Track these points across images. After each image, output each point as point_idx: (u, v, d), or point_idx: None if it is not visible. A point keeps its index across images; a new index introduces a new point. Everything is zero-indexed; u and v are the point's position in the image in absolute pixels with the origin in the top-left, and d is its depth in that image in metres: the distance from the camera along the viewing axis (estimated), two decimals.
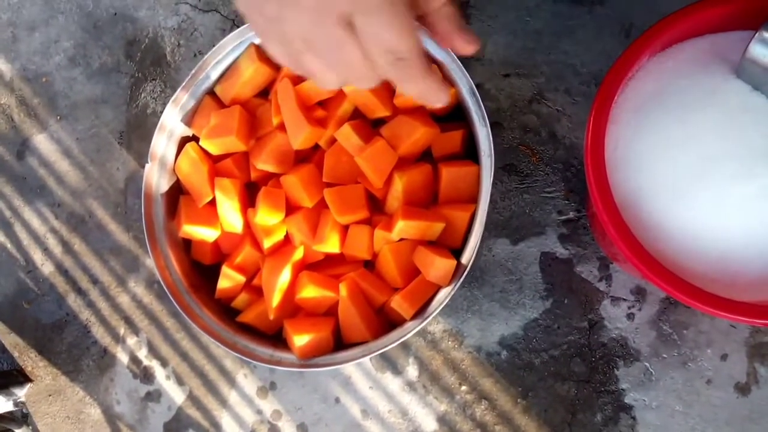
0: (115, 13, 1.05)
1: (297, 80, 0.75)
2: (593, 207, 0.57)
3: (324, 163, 0.74)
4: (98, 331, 0.97)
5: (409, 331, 0.68)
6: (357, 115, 0.75)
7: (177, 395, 0.93)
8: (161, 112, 0.81)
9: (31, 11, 1.08)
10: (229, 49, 0.78)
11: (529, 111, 0.87)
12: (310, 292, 0.72)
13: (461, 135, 0.73)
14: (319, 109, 0.75)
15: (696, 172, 0.56)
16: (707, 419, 0.78)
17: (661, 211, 0.57)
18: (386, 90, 0.73)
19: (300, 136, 0.72)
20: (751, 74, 0.54)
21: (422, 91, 0.40)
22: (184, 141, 0.81)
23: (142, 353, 0.95)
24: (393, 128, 0.72)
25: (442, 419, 0.84)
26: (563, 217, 0.84)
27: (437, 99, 0.42)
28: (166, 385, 0.94)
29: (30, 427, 1.00)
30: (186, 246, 0.82)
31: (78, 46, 1.05)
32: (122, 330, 0.96)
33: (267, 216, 0.73)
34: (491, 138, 0.68)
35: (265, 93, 0.80)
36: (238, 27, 0.97)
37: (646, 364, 0.80)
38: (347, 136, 0.72)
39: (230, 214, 0.76)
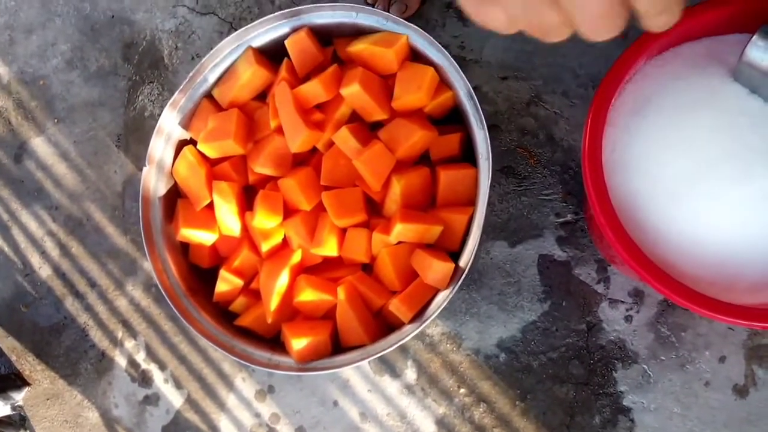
0: (113, 16, 1.05)
1: (294, 83, 0.75)
2: (591, 210, 0.57)
3: (322, 167, 0.74)
4: (96, 335, 0.97)
5: (408, 334, 0.67)
6: (355, 118, 0.75)
7: (175, 399, 0.93)
8: (159, 115, 0.80)
9: (28, 14, 1.08)
10: (226, 52, 0.78)
11: (526, 113, 0.87)
12: (308, 295, 0.72)
13: (459, 138, 0.73)
14: (317, 112, 0.75)
15: (694, 174, 0.56)
16: (705, 421, 0.78)
17: (659, 213, 0.57)
18: (384, 93, 0.73)
19: (298, 139, 0.72)
20: (749, 77, 0.54)
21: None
22: (181, 144, 0.80)
23: (140, 357, 0.95)
24: (391, 131, 0.72)
25: (440, 422, 0.84)
26: (561, 220, 0.84)
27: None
28: (164, 388, 0.94)
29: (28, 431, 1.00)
30: (184, 249, 0.81)
31: (75, 49, 1.05)
32: (120, 333, 0.96)
33: (265, 219, 0.73)
34: (489, 141, 0.68)
35: (262, 96, 0.80)
36: (235, 30, 0.97)
37: (645, 366, 0.80)
38: (345, 139, 0.71)
39: (228, 218, 0.76)
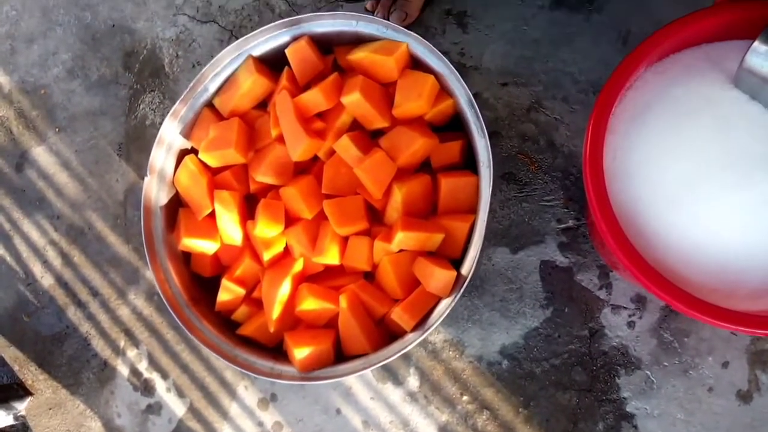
0: (114, 25, 1.05)
1: (295, 92, 0.75)
2: (592, 216, 0.57)
3: (323, 175, 0.74)
4: (98, 344, 0.97)
5: (410, 342, 0.67)
6: (356, 127, 0.75)
7: (178, 408, 0.93)
8: (160, 123, 0.81)
9: (29, 23, 1.08)
10: (227, 61, 0.78)
11: (527, 120, 0.87)
12: (310, 304, 0.72)
13: (460, 145, 0.73)
14: (318, 121, 0.75)
15: (694, 180, 0.56)
16: (709, 427, 0.78)
17: (661, 220, 0.57)
18: (385, 101, 0.73)
19: (299, 147, 0.72)
20: (748, 84, 0.55)
21: None
22: (183, 153, 0.81)
23: (143, 366, 0.95)
24: (392, 139, 0.72)
25: (443, 429, 0.84)
26: (563, 226, 0.84)
27: None
28: (166, 397, 0.93)
29: None
30: (186, 259, 0.82)
31: (76, 58, 1.05)
32: (122, 342, 0.96)
33: (266, 228, 0.73)
34: (490, 148, 0.68)
35: (263, 105, 0.80)
36: (236, 38, 0.97)
37: (648, 372, 0.80)
38: (346, 147, 0.72)
39: (230, 227, 0.76)
